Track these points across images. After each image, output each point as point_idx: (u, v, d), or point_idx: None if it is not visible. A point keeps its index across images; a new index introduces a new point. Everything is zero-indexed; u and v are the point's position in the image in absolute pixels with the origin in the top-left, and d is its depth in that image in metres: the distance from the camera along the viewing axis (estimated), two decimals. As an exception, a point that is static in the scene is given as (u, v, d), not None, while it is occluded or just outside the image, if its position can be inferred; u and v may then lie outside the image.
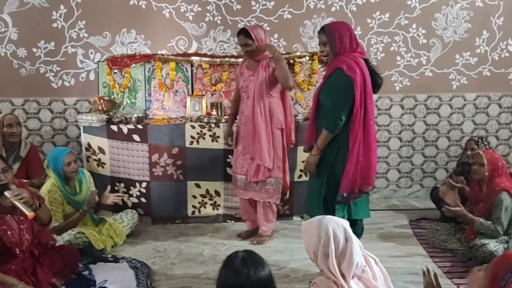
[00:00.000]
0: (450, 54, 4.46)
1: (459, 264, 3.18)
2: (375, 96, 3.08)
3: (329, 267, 1.81)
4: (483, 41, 4.45)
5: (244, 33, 3.36)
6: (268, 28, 4.30)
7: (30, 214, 2.48)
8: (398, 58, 4.45)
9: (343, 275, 1.80)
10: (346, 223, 1.91)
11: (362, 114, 2.70)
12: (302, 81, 4.24)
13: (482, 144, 3.69)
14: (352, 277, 1.81)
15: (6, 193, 2.48)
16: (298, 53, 4.25)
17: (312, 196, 2.93)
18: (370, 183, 2.78)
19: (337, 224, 1.87)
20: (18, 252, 2.57)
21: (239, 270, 1.64)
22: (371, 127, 2.73)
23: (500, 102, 4.58)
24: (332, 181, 2.82)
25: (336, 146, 2.80)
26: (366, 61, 2.81)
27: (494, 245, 3.00)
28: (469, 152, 3.71)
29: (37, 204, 2.63)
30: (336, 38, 2.75)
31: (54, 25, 4.22)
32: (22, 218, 2.50)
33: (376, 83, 2.82)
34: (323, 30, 2.85)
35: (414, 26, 4.40)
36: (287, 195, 3.69)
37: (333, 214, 2.68)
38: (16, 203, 2.49)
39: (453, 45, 4.45)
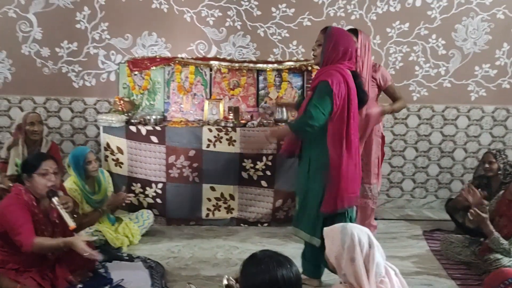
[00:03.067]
0: (470, 65, 4.44)
1: (473, 277, 3.15)
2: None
3: (356, 272, 1.82)
4: (504, 53, 4.43)
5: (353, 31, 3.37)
6: (287, 35, 4.34)
7: (72, 225, 2.54)
8: (417, 68, 4.45)
9: (368, 280, 1.82)
10: (368, 230, 1.94)
11: (344, 127, 2.65)
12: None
13: (500, 157, 3.66)
14: (374, 281, 1.83)
15: (54, 200, 2.54)
16: (316, 60, 4.28)
17: (308, 213, 2.85)
18: (352, 198, 2.74)
19: (361, 230, 1.90)
20: (50, 255, 2.64)
21: (271, 267, 1.62)
22: (352, 142, 2.68)
23: (519, 115, 4.54)
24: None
25: (327, 159, 2.71)
26: (355, 75, 2.74)
27: (508, 261, 2.96)
28: (486, 165, 3.69)
29: (74, 209, 2.72)
30: (331, 44, 2.66)
31: (78, 26, 4.31)
32: (57, 221, 2.56)
33: (361, 99, 2.77)
34: (324, 30, 2.77)
35: (433, 36, 4.39)
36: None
37: None
38: (62, 212, 2.56)
39: (473, 56, 4.43)
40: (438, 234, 3.88)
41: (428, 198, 4.64)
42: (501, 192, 3.30)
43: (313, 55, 2.85)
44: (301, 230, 2.91)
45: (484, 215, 3.02)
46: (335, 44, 2.67)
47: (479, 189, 3.55)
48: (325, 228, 2.03)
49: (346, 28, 3.44)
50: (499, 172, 3.65)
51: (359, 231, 1.90)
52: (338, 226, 1.96)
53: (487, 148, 4.48)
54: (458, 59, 4.44)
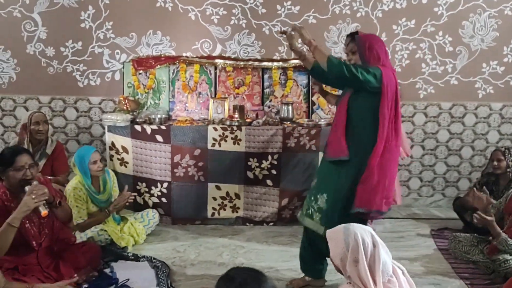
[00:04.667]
0: (477, 62, 4.39)
1: (482, 276, 3.12)
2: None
3: (359, 274, 1.80)
4: (511, 50, 4.37)
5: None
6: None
7: (43, 211, 2.49)
8: (423, 65, 4.40)
9: (374, 282, 1.79)
10: (371, 229, 1.90)
11: (392, 123, 2.58)
12: (325, 86, 4.21)
13: (509, 155, 3.62)
14: (379, 281, 1.80)
15: (26, 188, 2.52)
16: (322, 58, 4.25)
17: (333, 209, 2.72)
18: (387, 203, 2.63)
19: (364, 230, 1.87)
20: (35, 244, 2.61)
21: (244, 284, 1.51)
22: (397, 143, 2.62)
23: (527, 113, 4.49)
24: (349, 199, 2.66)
25: (360, 158, 2.62)
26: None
27: (517, 260, 2.93)
28: (495, 163, 3.65)
29: (57, 202, 2.65)
30: (366, 46, 2.62)
31: (82, 25, 4.30)
32: (40, 214, 2.53)
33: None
34: (352, 38, 2.71)
35: (440, 33, 4.34)
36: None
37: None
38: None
39: (480, 53, 4.38)
40: (446, 233, 3.84)
41: (435, 197, 4.60)
42: (511, 190, 3.26)
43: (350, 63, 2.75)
44: (308, 218, 2.82)
45: (489, 218, 2.99)
46: (369, 48, 2.62)
47: (484, 187, 3.52)
48: (328, 231, 2.00)
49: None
50: (508, 170, 3.61)
51: (362, 231, 1.87)
52: (340, 227, 1.93)
53: (495, 146, 4.43)
54: (465, 56, 4.39)
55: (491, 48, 4.37)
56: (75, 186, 3.33)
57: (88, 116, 4.45)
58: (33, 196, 2.45)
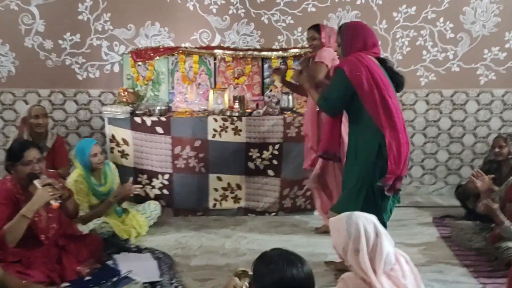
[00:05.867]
0: (478, 48, 4.36)
1: (485, 263, 3.11)
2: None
3: (360, 263, 1.79)
4: (513, 35, 4.34)
5: (314, 27, 3.40)
6: (292, 22, 4.28)
7: (55, 204, 2.52)
8: (424, 52, 4.37)
9: (374, 271, 1.78)
10: (374, 218, 1.89)
11: (379, 109, 2.56)
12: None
13: (511, 141, 3.60)
14: (382, 271, 1.79)
15: (36, 182, 2.53)
16: (322, 47, 4.22)
17: (350, 197, 2.73)
18: (399, 171, 2.59)
19: (367, 219, 1.85)
20: (43, 238, 2.63)
21: (282, 266, 1.60)
22: (395, 118, 2.57)
23: (529, 99, 4.46)
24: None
25: (377, 145, 2.63)
26: (383, 61, 2.70)
27: (519, 249, 2.92)
28: (496, 150, 3.63)
29: (67, 195, 2.68)
30: (348, 39, 2.67)
31: (80, 17, 4.27)
32: (50, 207, 2.55)
33: (397, 82, 2.71)
34: (339, 29, 2.78)
35: (441, 20, 4.30)
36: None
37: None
38: None
39: (482, 39, 4.34)
40: (448, 220, 3.83)
41: (437, 185, 4.59)
42: (511, 177, 3.24)
43: (337, 55, 2.90)
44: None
45: (494, 206, 2.98)
46: (352, 37, 2.67)
47: (488, 174, 3.52)
48: (330, 219, 1.99)
49: (309, 26, 3.46)
50: (510, 156, 3.59)
51: (364, 221, 1.85)
52: (343, 216, 1.92)
53: (497, 132, 4.41)
54: (467, 42, 4.35)
55: (493, 34, 4.33)
56: (76, 179, 3.32)
57: (88, 109, 4.44)
58: (50, 189, 2.48)
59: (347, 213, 1.92)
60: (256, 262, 1.69)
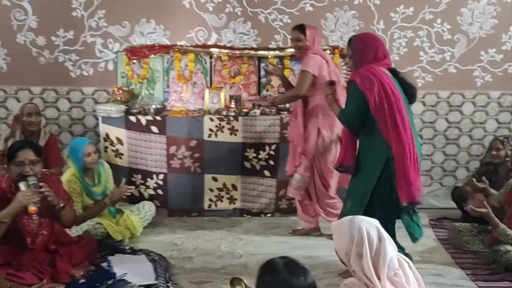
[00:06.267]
0: (475, 50, 4.35)
1: (482, 266, 3.09)
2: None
3: (363, 268, 1.76)
4: (510, 37, 4.34)
5: (299, 27, 3.33)
6: (289, 21, 4.24)
7: (31, 208, 2.41)
8: (422, 53, 4.36)
9: (378, 276, 1.75)
10: (377, 222, 1.86)
11: (388, 121, 2.55)
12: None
13: (508, 144, 3.60)
14: (385, 276, 1.76)
15: (21, 184, 2.46)
16: (319, 47, 4.19)
17: (355, 205, 2.73)
18: (412, 193, 2.60)
19: (370, 224, 1.82)
20: (29, 242, 2.56)
21: (287, 276, 1.57)
22: (403, 138, 2.54)
23: (525, 101, 4.47)
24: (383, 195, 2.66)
25: (384, 158, 2.62)
26: (395, 72, 2.69)
27: (518, 252, 2.92)
28: (494, 152, 3.63)
29: (61, 205, 2.60)
30: (359, 53, 2.66)
31: (74, 14, 4.19)
32: (44, 211, 2.48)
33: (410, 94, 2.69)
34: (349, 42, 2.76)
35: (438, 21, 4.29)
36: None
37: None
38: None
39: (479, 41, 4.34)
40: (445, 222, 3.82)
41: (433, 186, 4.58)
42: (510, 180, 3.24)
43: (348, 68, 2.86)
44: None
45: (483, 210, 2.98)
46: (362, 50, 2.66)
47: (484, 177, 3.52)
48: (333, 223, 1.97)
49: (294, 25, 3.43)
50: (507, 158, 3.59)
51: (367, 225, 1.83)
52: (346, 220, 1.89)
53: (493, 134, 4.41)
54: (464, 44, 4.35)
55: (490, 36, 4.33)
56: (69, 178, 3.25)
57: (81, 107, 4.36)
58: (28, 193, 2.40)
59: (349, 217, 1.89)
60: (262, 269, 1.66)
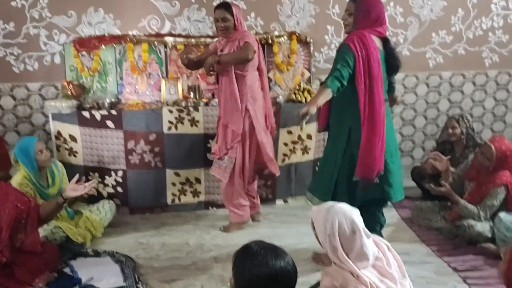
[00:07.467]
0: (427, 32, 4.46)
1: (446, 241, 3.20)
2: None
3: (341, 260, 1.74)
4: (459, 19, 4.47)
5: (225, 6, 3.15)
6: (244, 7, 4.15)
7: None
8: (376, 37, 4.40)
9: (357, 266, 1.74)
10: (355, 214, 1.83)
11: (367, 93, 2.53)
12: (281, 61, 4.13)
13: (463, 122, 3.71)
14: (365, 266, 1.75)
15: None
16: (276, 33, 4.15)
17: (323, 178, 2.77)
18: (371, 171, 2.57)
19: (345, 216, 1.79)
20: None
21: (268, 260, 1.54)
22: (376, 111, 2.53)
23: (474, 80, 4.64)
24: (346, 166, 2.66)
25: (347, 128, 2.65)
26: (385, 40, 2.64)
27: (480, 225, 3.03)
28: (450, 131, 3.74)
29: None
30: (362, 12, 2.56)
31: (13, 4, 3.89)
32: None
33: (392, 66, 2.67)
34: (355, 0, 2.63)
35: (391, 4, 4.35)
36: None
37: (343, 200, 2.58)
38: None
39: (430, 23, 4.44)
40: (406, 202, 3.90)
41: (392, 167, 4.68)
42: (470, 157, 3.35)
43: (344, 24, 2.71)
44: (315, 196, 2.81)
45: (442, 189, 3.08)
46: (366, 12, 2.57)
47: (443, 155, 3.63)
48: (313, 208, 1.94)
49: (217, 4, 3.23)
50: (462, 136, 3.71)
51: (341, 217, 1.80)
52: (324, 208, 1.86)
53: (445, 114, 4.57)
54: (416, 26, 4.44)
55: (440, 18, 4.44)
56: (20, 182, 3.03)
57: (27, 104, 4.08)
58: None
59: (329, 204, 1.85)
60: (239, 256, 1.61)
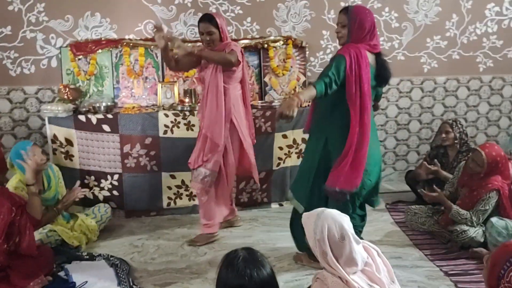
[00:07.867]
0: (421, 37, 4.49)
1: (438, 246, 3.23)
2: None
3: (330, 265, 1.77)
4: (453, 24, 4.51)
5: (208, 19, 3.09)
6: (240, 12, 4.18)
7: None
8: (371, 42, 4.43)
9: (346, 272, 1.76)
10: (344, 220, 1.85)
11: (358, 103, 2.56)
12: (277, 66, 4.16)
13: (456, 127, 3.74)
14: (355, 272, 1.77)
15: None
16: (272, 38, 4.18)
17: (301, 180, 2.83)
18: (353, 183, 2.59)
19: (334, 221, 1.81)
20: None
21: (241, 271, 1.58)
22: (365, 122, 2.58)
23: (468, 85, 4.67)
24: (322, 174, 2.71)
25: (324, 138, 2.70)
26: (379, 55, 2.68)
27: (473, 231, 3.05)
28: (443, 135, 3.76)
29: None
30: (356, 23, 2.59)
31: (10, 8, 3.91)
32: None
33: (383, 77, 2.70)
34: (346, 10, 2.66)
35: (386, 9, 4.38)
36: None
37: (323, 203, 2.62)
38: None
39: (424, 28, 4.48)
40: (400, 205, 3.94)
41: (386, 171, 4.71)
42: (461, 163, 3.38)
43: (338, 36, 2.72)
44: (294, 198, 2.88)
45: (434, 194, 3.17)
46: (360, 23, 2.60)
47: (435, 160, 3.69)
48: (304, 214, 1.96)
49: (200, 17, 3.17)
50: (456, 141, 3.74)
51: (331, 222, 1.82)
52: (314, 214, 1.88)
53: (440, 118, 4.60)
54: (411, 31, 4.47)
55: (435, 23, 4.48)
56: (16, 185, 3.03)
57: (23, 107, 4.10)
58: None
59: (319, 210, 1.88)
60: (221, 262, 1.68)
